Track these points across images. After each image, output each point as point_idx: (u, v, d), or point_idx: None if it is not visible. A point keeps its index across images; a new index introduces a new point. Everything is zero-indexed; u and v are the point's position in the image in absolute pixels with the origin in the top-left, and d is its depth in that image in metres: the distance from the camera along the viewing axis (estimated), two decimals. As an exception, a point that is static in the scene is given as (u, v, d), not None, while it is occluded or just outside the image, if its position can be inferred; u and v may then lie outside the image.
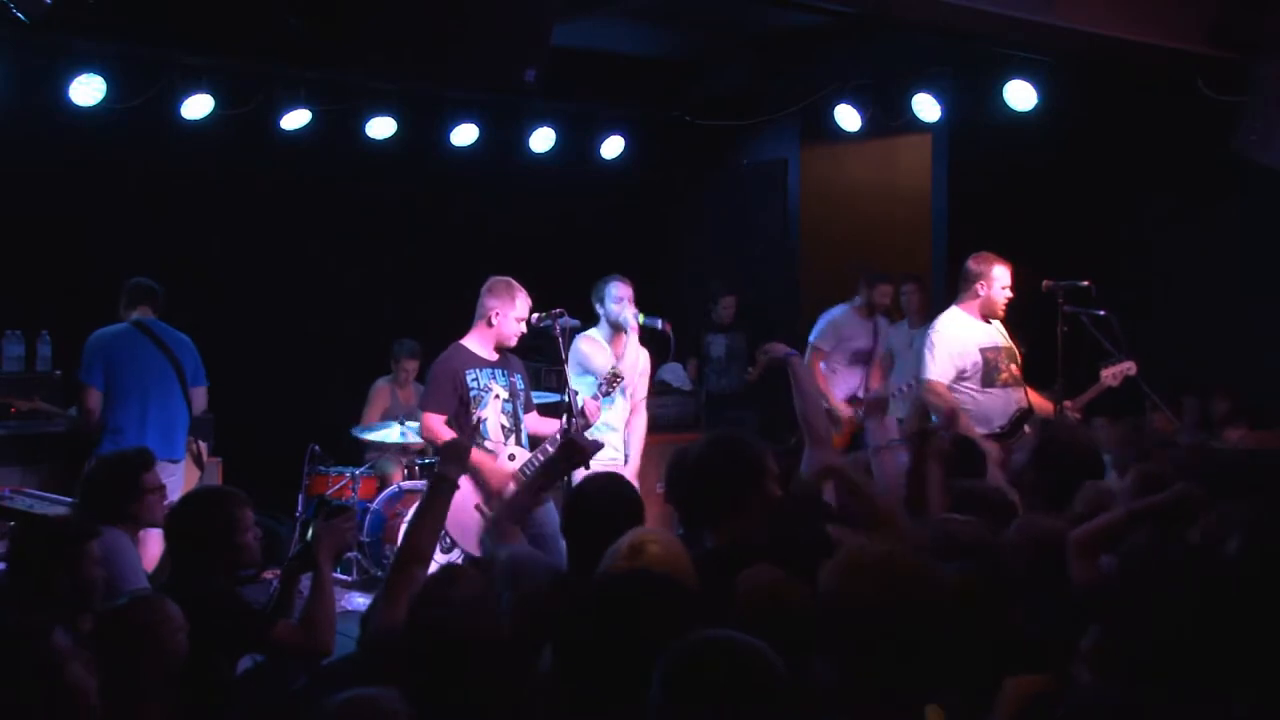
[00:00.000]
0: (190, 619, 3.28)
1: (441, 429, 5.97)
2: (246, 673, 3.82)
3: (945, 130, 8.64)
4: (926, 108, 8.43)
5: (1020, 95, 7.90)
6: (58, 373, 7.56)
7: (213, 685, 3.43)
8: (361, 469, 7.95)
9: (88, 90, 7.44)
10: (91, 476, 4.69)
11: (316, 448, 7.99)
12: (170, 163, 8.28)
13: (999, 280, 6.46)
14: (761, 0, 7.54)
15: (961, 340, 6.42)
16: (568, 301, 7.30)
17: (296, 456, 7.96)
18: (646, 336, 6.91)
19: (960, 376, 6.38)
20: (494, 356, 6.16)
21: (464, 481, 5.72)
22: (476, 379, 6.04)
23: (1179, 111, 7.69)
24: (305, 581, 4.09)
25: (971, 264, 6.53)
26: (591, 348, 6.78)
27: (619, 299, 6.78)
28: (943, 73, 8.44)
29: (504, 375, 6.13)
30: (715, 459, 3.66)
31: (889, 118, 8.80)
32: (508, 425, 6.08)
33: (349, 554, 7.76)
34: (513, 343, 6.21)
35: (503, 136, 9.32)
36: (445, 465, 3.84)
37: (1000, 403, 6.36)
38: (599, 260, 9.91)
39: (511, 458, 6.01)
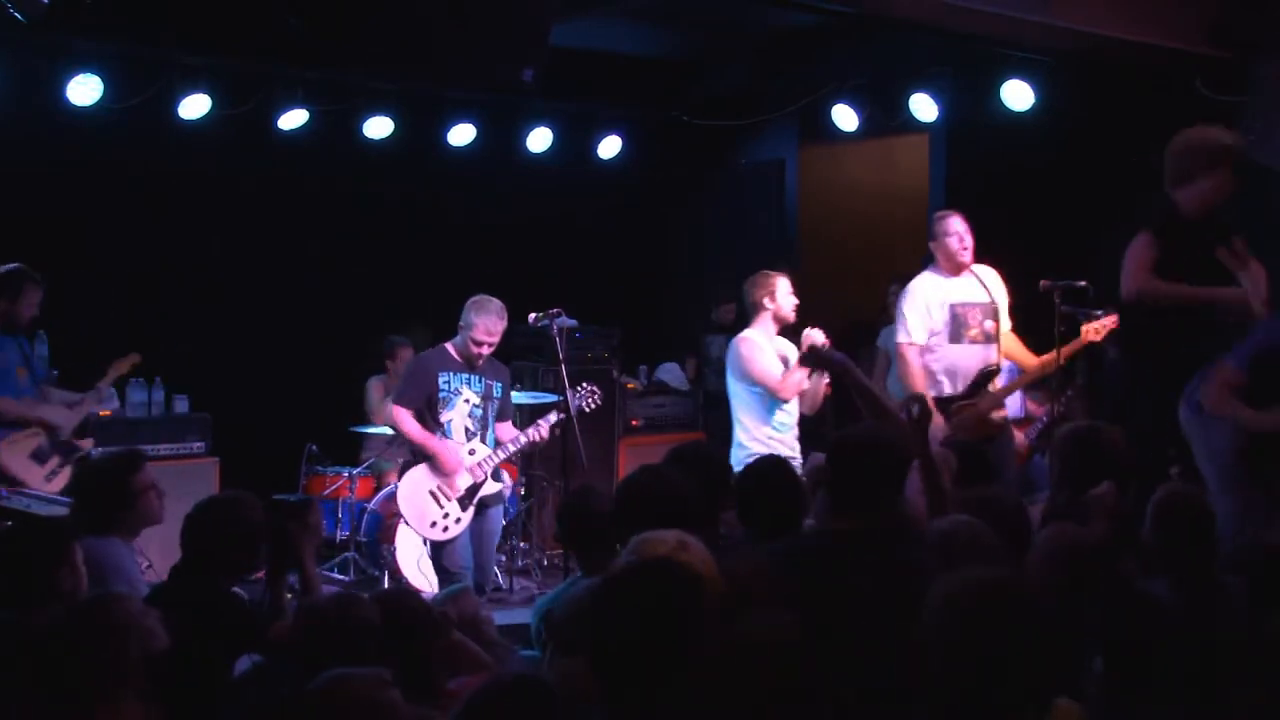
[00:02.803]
0: (189, 619, 3.27)
1: (408, 422, 6.30)
2: (244, 673, 3.82)
3: (943, 130, 8.64)
4: (924, 108, 8.44)
5: (1018, 95, 7.91)
6: (55, 372, 7.55)
7: (211, 685, 3.42)
8: (359, 469, 7.95)
9: (85, 90, 7.44)
10: (79, 485, 4.64)
11: (314, 447, 8.00)
12: (168, 163, 8.27)
13: (946, 232, 6.45)
14: (760, 0, 7.54)
15: (928, 298, 6.38)
16: (565, 301, 7.31)
17: (294, 456, 7.96)
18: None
19: (930, 333, 6.35)
20: (468, 364, 6.35)
21: (421, 468, 6.31)
22: (449, 382, 6.33)
23: (1178, 111, 7.68)
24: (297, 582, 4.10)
25: (932, 224, 6.60)
26: (752, 350, 6.39)
27: (789, 292, 6.47)
28: (941, 73, 8.44)
29: (479, 381, 6.38)
30: (877, 447, 3.69)
31: (887, 118, 8.80)
32: (471, 428, 6.38)
33: (346, 554, 7.77)
34: (474, 361, 6.34)
35: (501, 136, 9.32)
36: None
37: (968, 359, 6.31)
38: (597, 260, 9.97)
39: (471, 452, 6.33)
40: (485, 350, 6.30)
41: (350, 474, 7.86)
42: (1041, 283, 6.57)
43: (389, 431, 7.87)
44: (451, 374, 6.33)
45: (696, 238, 10.42)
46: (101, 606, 3.20)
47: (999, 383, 6.42)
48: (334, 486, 7.87)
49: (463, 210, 9.49)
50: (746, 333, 6.48)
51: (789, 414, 6.35)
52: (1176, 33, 7.07)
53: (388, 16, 6.43)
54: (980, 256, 8.49)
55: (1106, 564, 3.43)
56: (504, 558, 8.00)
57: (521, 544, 8.07)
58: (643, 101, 9.84)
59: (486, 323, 6.25)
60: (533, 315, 7.15)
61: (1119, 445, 4.40)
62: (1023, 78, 7.85)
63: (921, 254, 8.95)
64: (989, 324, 6.41)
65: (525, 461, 8.29)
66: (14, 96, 7.37)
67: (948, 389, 6.25)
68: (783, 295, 6.44)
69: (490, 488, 6.40)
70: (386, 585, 7.42)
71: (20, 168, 7.78)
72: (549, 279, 8.61)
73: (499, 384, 6.47)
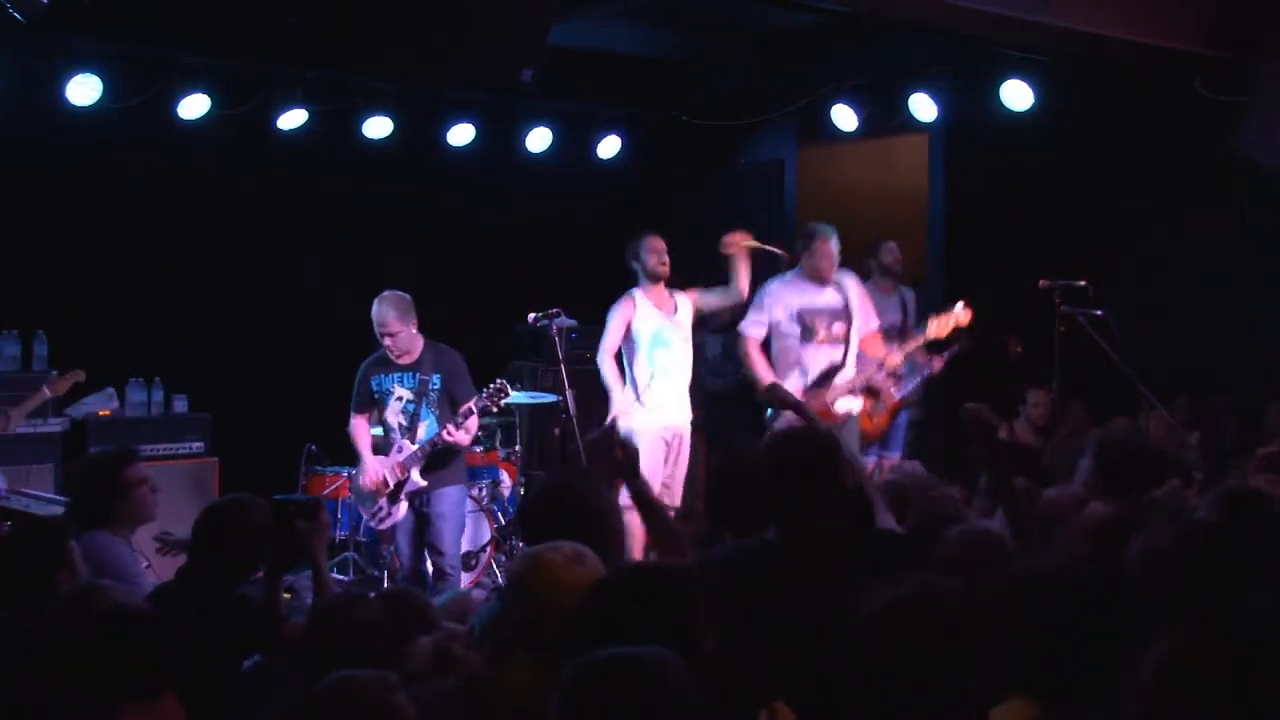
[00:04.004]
0: (198, 620, 3.27)
1: (354, 430, 6.63)
2: (246, 673, 3.82)
3: (942, 130, 8.65)
4: (924, 107, 8.44)
5: (1017, 95, 7.91)
6: (54, 372, 7.54)
7: (217, 685, 3.43)
8: (358, 469, 7.94)
9: (85, 90, 7.42)
10: (75, 481, 4.67)
11: (314, 447, 7.99)
12: (167, 162, 8.26)
13: (824, 254, 6.95)
14: (760, 0, 7.54)
15: (780, 298, 7.02)
16: (565, 301, 7.31)
17: (294, 456, 7.96)
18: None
19: (779, 331, 6.99)
20: (405, 360, 6.45)
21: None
22: (380, 383, 6.53)
23: (1178, 111, 7.70)
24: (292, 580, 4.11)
25: (810, 237, 7.08)
26: (614, 309, 7.17)
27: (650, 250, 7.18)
28: (940, 73, 8.44)
29: (412, 377, 6.48)
30: (791, 452, 3.61)
31: (886, 118, 8.80)
32: (404, 424, 6.51)
33: (346, 554, 7.77)
34: (396, 354, 6.43)
35: (500, 136, 9.31)
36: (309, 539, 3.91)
37: (815, 358, 6.92)
38: (596, 260, 9.94)
39: (399, 450, 6.48)
40: (390, 343, 6.37)
41: (350, 474, 7.84)
42: (1041, 282, 6.59)
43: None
44: (383, 375, 6.48)
45: (695, 238, 10.41)
46: (89, 598, 3.21)
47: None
48: (334, 486, 7.87)
49: (463, 210, 9.48)
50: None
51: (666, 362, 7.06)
52: (1176, 33, 7.07)
53: (387, 16, 6.43)
54: (980, 256, 8.55)
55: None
56: (504, 558, 8.01)
57: (521, 544, 8.07)
58: (642, 101, 9.84)
59: (378, 315, 6.37)
60: (532, 315, 7.15)
61: (1162, 447, 4.35)
62: (1023, 78, 7.85)
63: (919, 254, 9.01)
64: (836, 327, 6.98)
65: (525, 461, 8.30)
66: (14, 96, 7.36)
67: (799, 382, 6.84)
68: (645, 254, 7.19)
69: (415, 483, 6.44)
70: (386, 585, 7.44)
71: (20, 168, 7.78)
72: (549, 279, 8.61)
73: (438, 375, 6.47)
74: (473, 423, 6.48)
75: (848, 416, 6.94)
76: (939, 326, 7.01)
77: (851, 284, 7.10)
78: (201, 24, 7.11)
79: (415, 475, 6.44)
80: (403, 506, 6.50)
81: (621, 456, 4.09)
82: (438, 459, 6.45)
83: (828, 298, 7.01)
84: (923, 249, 8.98)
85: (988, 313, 7.82)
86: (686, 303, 7.24)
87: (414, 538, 6.58)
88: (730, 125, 9.80)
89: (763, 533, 3.62)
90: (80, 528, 4.30)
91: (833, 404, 6.87)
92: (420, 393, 6.46)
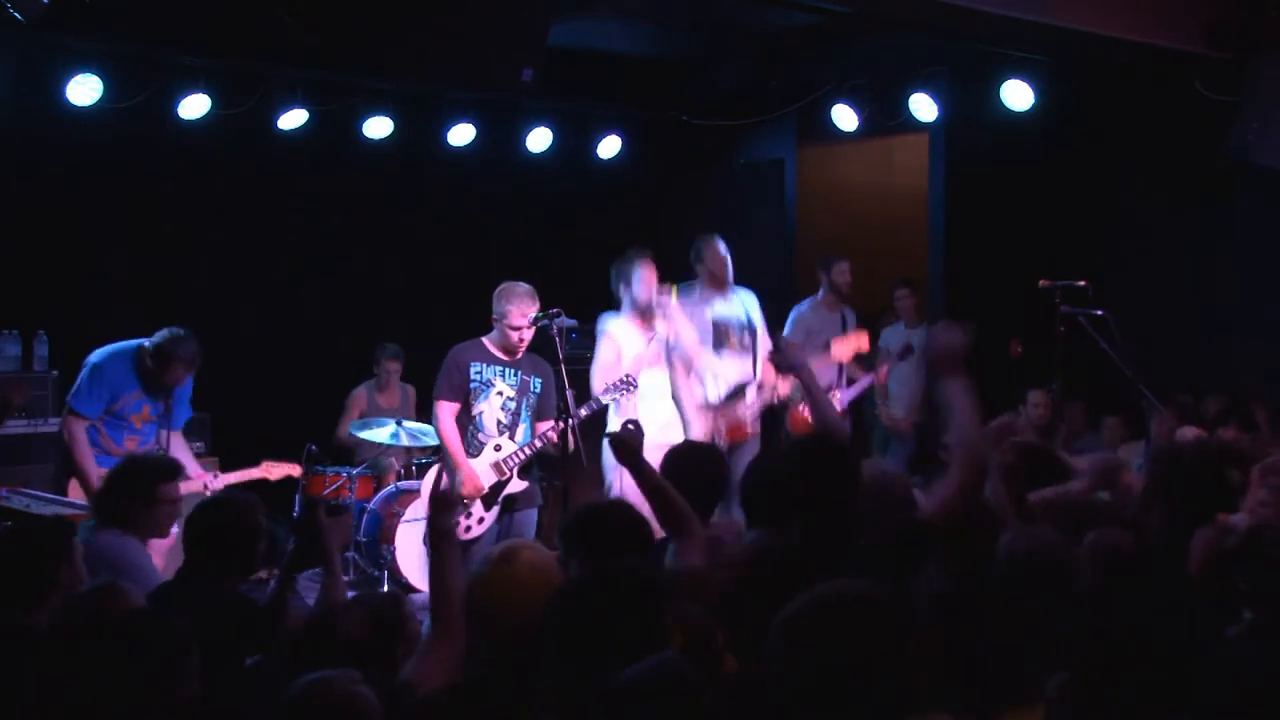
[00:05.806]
0: (202, 621, 3.27)
1: (444, 421, 6.12)
2: (246, 673, 3.82)
3: (942, 130, 8.65)
4: (924, 107, 8.44)
5: (1017, 95, 7.91)
6: (54, 373, 7.55)
7: (224, 686, 3.43)
8: (358, 469, 7.95)
9: (85, 90, 7.43)
10: (109, 476, 4.66)
11: (313, 447, 7.98)
12: (167, 162, 8.27)
13: (712, 256, 7.13)
14: (760, 0, 7.54)
15: (694, 310, 7.01)
16: (565, 301, 7.31)
17: (293, 456, 7.94)
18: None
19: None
20: (507, 356, 6.21)
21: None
22: (480, 373, 6.16)
23: (1176, 111, 7.70)
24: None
25: (697, 248, 7.23)
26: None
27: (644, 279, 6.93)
28: (940, 72, 8.45)
29: (514, 374, 6.23)
30: (810, 455, 3.61)
31: (886, 117, 8.81)
32: (504, 421, 6.21)
33: (346, 554, 7.76)
34: (514, 350, 6.20)
35: (500, 136, 9.31)
36: (437, 517, 3.60)
37: (728, 367, 6.90)
38: (595, 260, 9.93)
39: (497, 448, 6.16)
40: (526, 334, 6.16)
41: (350, 474, 7.86)
42: (1041, 282, 6.59)
43: (376, 439, 7.85)
44: (485, 365, 6.18)
45: (695, 238, 10.41)
46: (102, 599, 3.22)
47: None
48: (334, 486, 7.87)
49: (463, 210, 9.48)
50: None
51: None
52: (1176, 33, 7.07)
53: (386, 16, 6.44)
54: (980, 256, 8.55)
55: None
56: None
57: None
58: (643, 101, 9.83)
59: (520, 307, 6.14)
60: (532, 314, 7.15)
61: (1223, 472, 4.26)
62: (1023, 78, 7.85)
63: (919, 253, 9.02)
64: (746, 337, 7.01)
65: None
66: (13, 96, 7.36)
67: (712, 392, 6.84)
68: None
69: (516, 485, 6.22)
70: (386, 586, 7.44)
71: (18, 167, 7.78)
72: (549, 279, 8.60)
73: (538, 379, 6.29)
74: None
75: (754, 432, 6.94)
76: (841, 350, 7.24)
77: (751, 300, 7.18)
78: (201, 24, 7.11)
79: (517, 479, 6.22)
80: (495, 512, 6.17)
81: (625, 439, 4.00)
82: (527, 468, 6.28)
83: (733, 307, 7.09)
84: (923, 249, 8.99)
85: (988, 313, 7.84)
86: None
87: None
88: (730, 125, 9.80)
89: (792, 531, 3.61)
90: (101, 524, 4.36)
91: (741, 418, 6.84)
92: (521, 393, 6.23)
